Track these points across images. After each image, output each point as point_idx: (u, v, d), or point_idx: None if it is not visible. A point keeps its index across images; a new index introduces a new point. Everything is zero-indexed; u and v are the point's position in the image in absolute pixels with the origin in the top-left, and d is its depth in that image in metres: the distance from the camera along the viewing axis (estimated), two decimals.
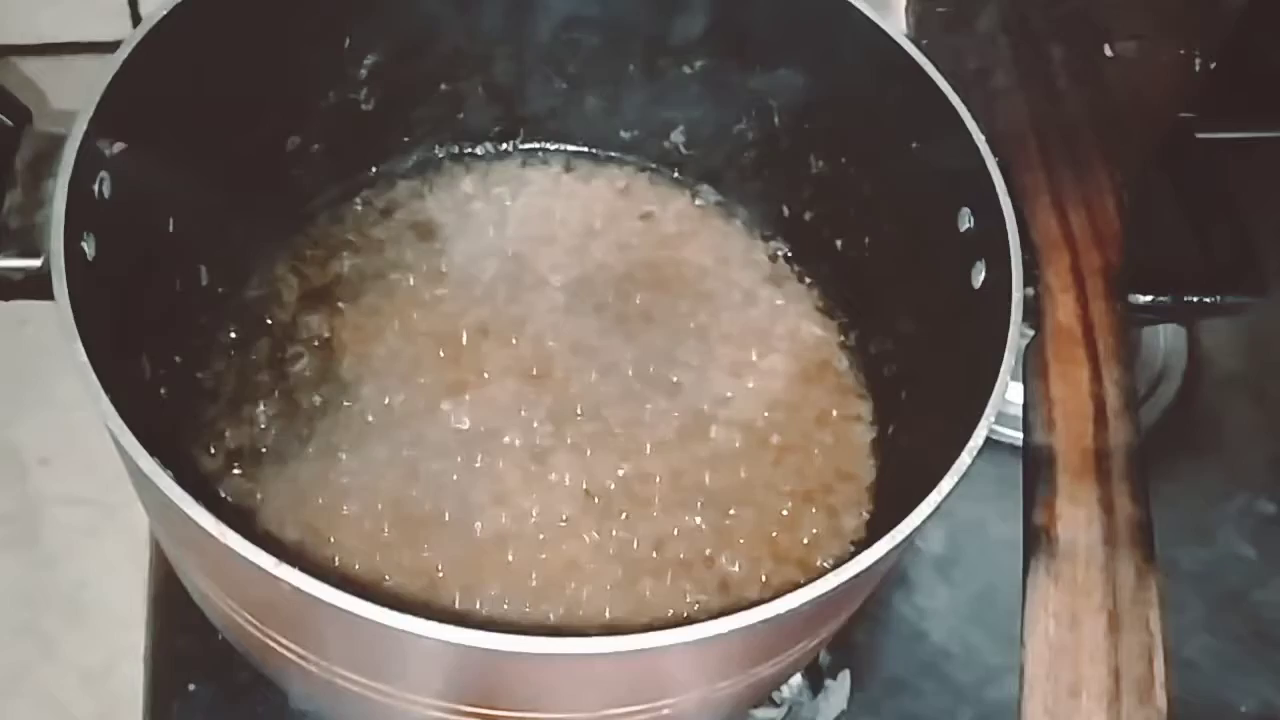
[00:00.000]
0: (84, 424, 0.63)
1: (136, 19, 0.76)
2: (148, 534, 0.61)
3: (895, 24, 0.53)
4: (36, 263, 0.42)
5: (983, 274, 0.48)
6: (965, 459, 0.41)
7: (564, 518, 0.53)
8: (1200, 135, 0.64)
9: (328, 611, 0.36)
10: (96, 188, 0.44)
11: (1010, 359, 0.43)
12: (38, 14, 0.75)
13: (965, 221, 0.49)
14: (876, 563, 0.39)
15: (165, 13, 0.46)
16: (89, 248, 0.43)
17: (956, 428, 0.45)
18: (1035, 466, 0.42)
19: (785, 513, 0.55)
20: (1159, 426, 0.70)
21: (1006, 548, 0.63)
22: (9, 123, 0.44)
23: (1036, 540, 0.40)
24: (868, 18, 0.52)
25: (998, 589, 0.64)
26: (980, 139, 0.48)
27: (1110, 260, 0.45)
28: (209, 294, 0.56)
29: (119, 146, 0.45)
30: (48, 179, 0.44)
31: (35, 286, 0.42)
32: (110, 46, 0.75)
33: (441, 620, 0.36)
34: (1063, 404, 0.42)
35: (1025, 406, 0.43)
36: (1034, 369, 0.44)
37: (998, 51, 0.53)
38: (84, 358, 0.38)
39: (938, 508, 0.40)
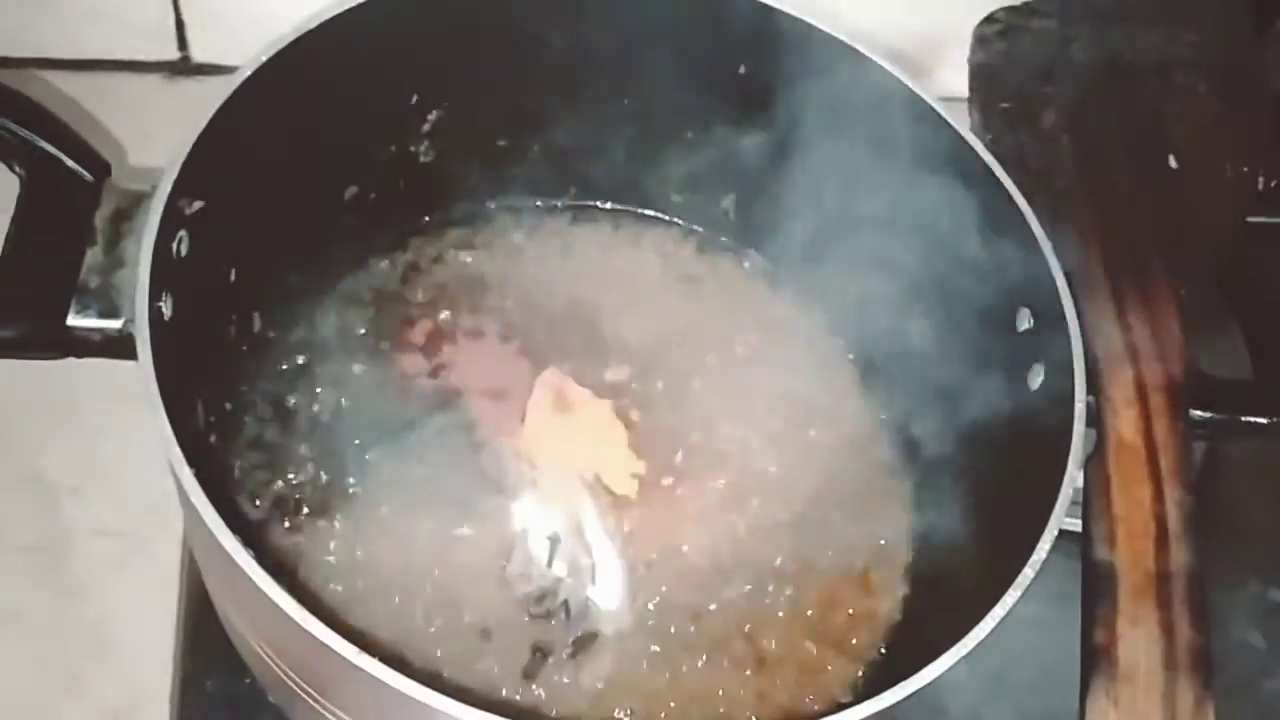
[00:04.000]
0: (116, 453, 0.63)
1: (182, 41, 0.76)
2: (178, 568, 0.60)
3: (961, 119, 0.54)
4: (116, 324, 0.42)
5: (1041, 377, 0.49)
6: (1028, 573, 0.41)
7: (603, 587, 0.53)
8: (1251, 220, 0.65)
9: (400, 699, 0.36)
10: (175, 247, 0.44)
11: (1075, 471, 0.43)
12: (83, 30, 0.75)
13: (1024, 322, 0.50)
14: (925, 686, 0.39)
15: (249, 74, 0.46)
16: (166, 308, 0.43)
17: (1007, 528, 0.46)
18: (1095, 582, 0.42)
19: (823, 591, 0.55)
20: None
21: (1028, 625, 0.65)
22: (89, 178, 0.44)
23: (1096, 660, 0.40)
24: (935, 109, 0.53)
25: (1018, 666, 0.64)
26: (1045, 241, 0.49)
27: (1173, 375, 0.46)
28: (261, 340, 0.56)
29: (198, 205, 0.45)
30: (127, 236, 0.44)
31: (114, 347, 0.42)
32: (155, 67, 0.77)
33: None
34: (1125, 521, 0.43)
35: (1085, 519, 0.44)
36: (1095, 482, 0.44)
37: (1060, 152, 0.54)
38: (170, 431, 0.38)
39: (998, 623, 0.40)
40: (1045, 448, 0.46)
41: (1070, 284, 0.48)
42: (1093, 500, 0.44)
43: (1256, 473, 0.73)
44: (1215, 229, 0.51)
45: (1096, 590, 0.42)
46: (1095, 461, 0.45)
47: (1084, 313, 0.47)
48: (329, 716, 0.44)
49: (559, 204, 0.64)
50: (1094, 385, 0.46)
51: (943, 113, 0.53)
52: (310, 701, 0.45)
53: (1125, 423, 0.45)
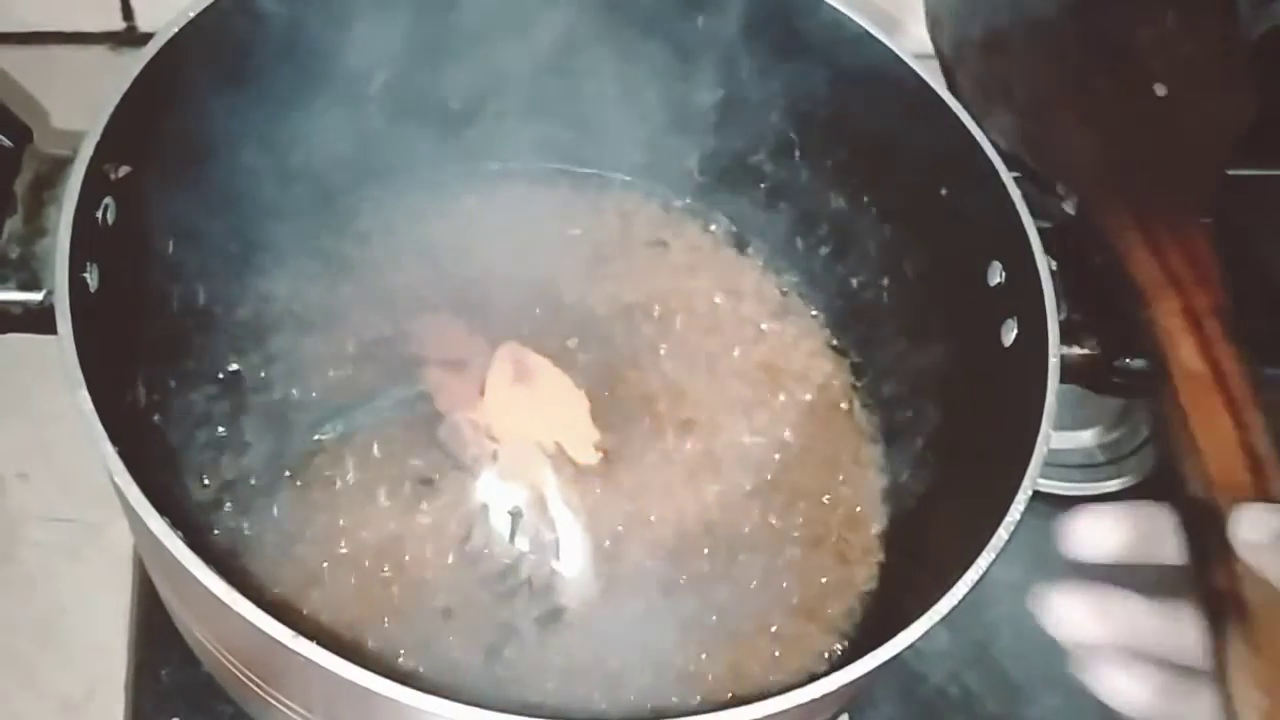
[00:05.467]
0: (63, 437, 0.61)
1: (127, 11, 0.74)
2: (130, 555, 0.58)
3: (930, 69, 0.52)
4: (37, 296, 0.40)
5: (1014, 332, 0.47)
6: (1002, 534, 0.40)
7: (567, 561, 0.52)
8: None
9: (345, 686, 0.34)
10: (100, 214, 0.42)
11: (1048, 430, 0.42)
12: (23, 1, 0.72)
13: (996, 275, 0.48)
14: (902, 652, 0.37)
15: (175, 31, 0.44)
16: (92, 279, 0.40)
17: (981, 490, 0.45)
18: (1199, 524, 0.38)
19: (795, 560, 0.53)
20: (1160, 470, 0.69)
21: (1007, 590, 0.64)
22: (8, 143, 0.41)
23: (1223, 606, 0.36)
24: (900, 58, 0.51)
25: (999, 632, 0.63)
26: (1015, 192, 0.47)
27: (1219, 300, 0.42)
28: (205, 315, 0.54)
29: (124, 170, 0.42)
30: (49, 204, 0.41)
31: (35, 320, 0.40)
32: (98, 38, 0.74)
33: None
34: (1215, 456, 0.39)
35: (1169, 458, 0.40)
36: (1170, 419, 0.41)
37: (1041, 88, 0.51)
38: (89, 406, 0.36)
39: (972, 588, 0.39)
40: (1019, 406, 0.44)
41: (1090, 217, 0.45)
42: (1172, 438, 0.40)
43: None
44: (1215, 153, 0.48)
45: (1202, 532, 0.38)
46: (1164, 397, 0.41)
47: (1113, 245, 0.44)
48: (279, 705, 0.43)
49: (516, 166, 0.62)
50: (1136, 318, 0.43)
51: (910, 62, 0.51)
52: (259, 691, 0.43)
53: (1186, 352, 0.41)
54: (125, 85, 0.42)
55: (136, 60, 0.44)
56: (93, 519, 0.59)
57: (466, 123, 0.59)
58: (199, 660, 0.52)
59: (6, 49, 0.73)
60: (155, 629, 0.55)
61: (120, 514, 0.58)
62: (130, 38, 0.74)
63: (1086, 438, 0.68)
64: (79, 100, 0.64)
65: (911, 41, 0.58)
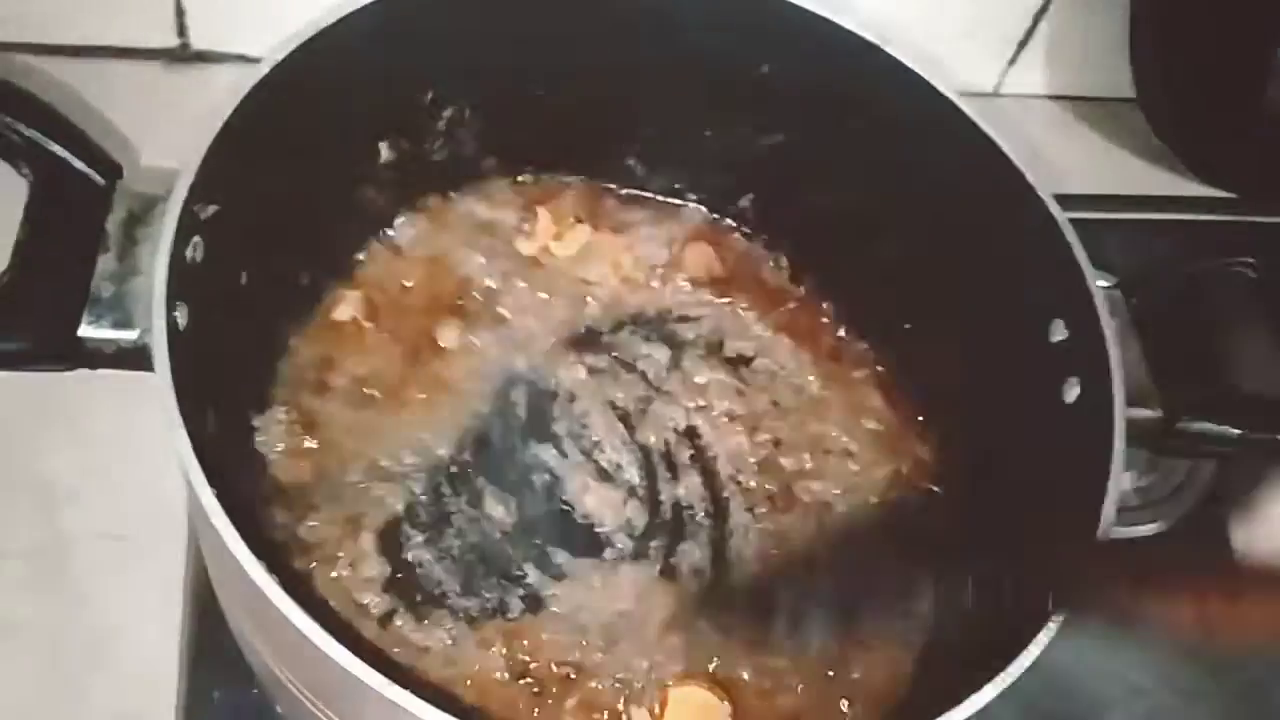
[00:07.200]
0: (114, 456, 0.61)
1: (181, 27, 0.74)
2: (182, 574, 0.58)
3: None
4: (131, 335, 0.41)
5: (1076, 390, 0.47)
6: None
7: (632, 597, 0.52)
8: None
9: None
10: (190, 253, 0.42)
11: (1116, 492, 0.42)
12: (77, 14, 0.72)
13: (1058, 333, 0.49)
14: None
15: (265, 73, 0.45)
16: (181, 317, 0.41)
17: (1041, 544, 0.45)
18: None
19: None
20: (1191, 515, 0.70)
21: None
22: (101, 181, 0.42)
23: None
24: (968, 116, 0.52)
25: (1028, 674, 0.64)
26: (1080, 252, 0.48)
27: None
28: (276, 343, 0.54)
29: (212, 209, 0.43)
30: (141, 242, 0.42)
31: (127, 358, 0.41)
32: (153, 54, 0.75)
33: None
34: None
35: None
36: None
37: None
38: (188, 448, 0.36)
39: (1043, 649, 0.39)
40: (1080, 463, 0.45)
41: None
42: None
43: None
44: None
45: None
46: None
47: None
48: None
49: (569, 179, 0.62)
50: None
51: (968, 112, 0.52)
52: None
53: None
54: (217, 127, 0.43)
55: (215, 94, 0.44)
56: (143, 538, 0.60)
57: (531, 146, 0.60)
58: (251, 681, 0.52)
59: (57, 61, 0.73)
60: (207, 649, 0.55)
61: (169, 532, 0.59)
62: (183, 55, 0.75)
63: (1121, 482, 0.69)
64: (149, 124, 0.65)
65: (958, 83, 0.58)
